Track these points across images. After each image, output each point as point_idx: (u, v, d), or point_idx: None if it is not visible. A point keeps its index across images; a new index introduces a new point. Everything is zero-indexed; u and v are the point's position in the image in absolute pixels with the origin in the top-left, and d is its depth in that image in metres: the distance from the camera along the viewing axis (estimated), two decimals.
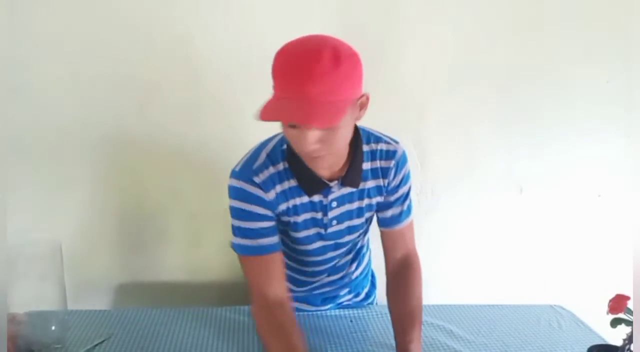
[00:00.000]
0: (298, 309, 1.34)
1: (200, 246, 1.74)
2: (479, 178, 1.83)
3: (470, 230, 1.87)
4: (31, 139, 1.60)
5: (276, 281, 1.08)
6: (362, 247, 1.32)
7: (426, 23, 1.67)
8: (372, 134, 1.15)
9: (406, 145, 1.18)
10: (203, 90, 1.63)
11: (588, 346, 1.07)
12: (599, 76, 1.78)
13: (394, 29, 1.66)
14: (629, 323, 0.94)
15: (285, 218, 1.10)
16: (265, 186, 1.05)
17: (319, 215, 1.12)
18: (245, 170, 1.05)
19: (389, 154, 1.13)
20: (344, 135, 0.99)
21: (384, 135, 1.17)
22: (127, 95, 1.61)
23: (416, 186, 1.79)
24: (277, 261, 1.09)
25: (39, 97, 1.57)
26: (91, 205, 1.70)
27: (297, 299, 1.33)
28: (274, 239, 1.08)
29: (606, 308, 0.96)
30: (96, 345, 1.17)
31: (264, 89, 1.25)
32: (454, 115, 1.77)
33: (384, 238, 1.21)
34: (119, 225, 1.73)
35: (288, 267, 1.28)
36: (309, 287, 1.30)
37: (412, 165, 1.73)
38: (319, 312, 1.33)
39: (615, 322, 0.96)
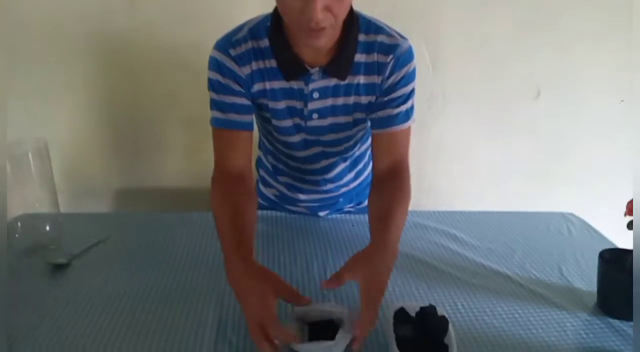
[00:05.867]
0: (297, 213, 1.31)
1: (199, 151, 1.70)
2: (493, 82, 1.73)
3: (482, 136, 1.80)
4: (19, 40, 1.53)
5: (239, 155, 1.06)
6: (360, 156, 1.25)
7: None
8: (373, 22, 1.02)
9: (417, 45, 1.06)
10: None
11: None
12: None
13: None
14: None
15: (263, 100, 1.05)
16: (240, 60, 1.00)
17: (299, 105, 1.05)
18: (224, 42, 1.02)
19: (389, 48, 1.00)
20: (348, 5, 0.90)
21: (388, 27, 1.03)
22: None
23: (426, 90, 1.71)
24: (244, 138, 1.06)
25: None
26: (85, 110, 1.65)
27: (297, 205, 1.31)
28: (246, 118, 1.04)
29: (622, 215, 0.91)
30: (92, 246, 1.14)
31: None
32: (470, 14, 1.65)
33: (374, 142, 1.08)
34: (115, 130, 1.69)
35: (287, 174, 1.25)
36: (307, 195, 1.27)
37: (423, 68, 1.65)
38: (318, 217, 1.29)
39: (631, 225, 0.91)
